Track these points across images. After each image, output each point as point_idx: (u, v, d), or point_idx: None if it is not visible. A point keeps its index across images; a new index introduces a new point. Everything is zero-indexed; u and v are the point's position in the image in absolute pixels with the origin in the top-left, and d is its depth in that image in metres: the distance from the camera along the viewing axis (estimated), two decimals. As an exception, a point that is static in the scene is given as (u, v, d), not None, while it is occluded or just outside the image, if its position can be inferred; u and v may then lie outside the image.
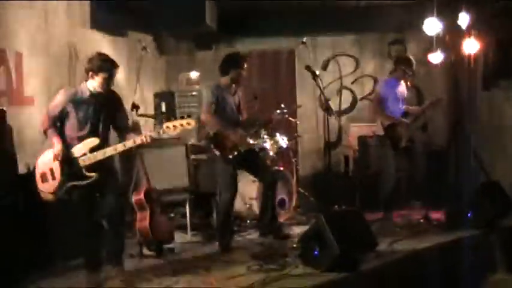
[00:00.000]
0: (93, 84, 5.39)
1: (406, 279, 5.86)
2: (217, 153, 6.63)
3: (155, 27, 9.29)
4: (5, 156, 5.60)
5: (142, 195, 6.31)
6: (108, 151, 5.37)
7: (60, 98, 5.43)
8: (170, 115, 8.82)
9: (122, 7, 8.76)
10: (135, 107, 7.17)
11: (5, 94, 6.31)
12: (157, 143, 7.33)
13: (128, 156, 7.07)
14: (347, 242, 5.44)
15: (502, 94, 8.54)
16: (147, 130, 7.94)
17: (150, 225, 6.25)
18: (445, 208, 7.57)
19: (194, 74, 10.31)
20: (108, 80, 5.41)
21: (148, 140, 5.38)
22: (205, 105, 6.76)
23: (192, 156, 7.83)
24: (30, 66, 6.78)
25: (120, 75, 8.92)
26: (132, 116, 7.02)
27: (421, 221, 7.48)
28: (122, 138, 5.57)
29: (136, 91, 7.37)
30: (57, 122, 5.42)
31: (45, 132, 5.40)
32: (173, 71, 10.79)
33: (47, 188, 5.34)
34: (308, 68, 6.58)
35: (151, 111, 9.14)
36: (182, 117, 5.54)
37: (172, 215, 7.83)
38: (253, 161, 6.97)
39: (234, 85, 6.99)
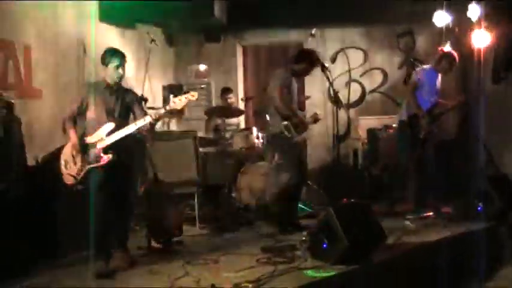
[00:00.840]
0: (107, 75, 5.66)
1: (416, 271, 5.84)
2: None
3: (164, 19, 9.28)
4: (13, 148, 5.60)
5: (151, 187, 6.31)
6: (122, 131, 5.56)
7: (81, 93, 5.77)
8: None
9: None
10: (143, 99, 7.17)
11: (14, 87, 6.34)
12: (166, 136, 7.38)
13: (137, 148, 7.06)
14: (356, 235, 5.41)
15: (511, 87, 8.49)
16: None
17: (158, 218, 6.24)
18: (455, 201, 7.54)
19: (203, 67, 10.31)
20: (120, 70, 5.67)
21: (157, 116, 5.62)
22: (277, 89, 6.78)
23: (201, 149, 7.82)
24: (38, 60, 6.79)
25: (129, 68, 8.94)
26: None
27: (431, 213, 7.43)
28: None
29: (144, 83, 7.36)
30: (75, 118, 5.66)
31: (64, 131, 5.65)
32: (182, 63, 10.80)
33: (69, 172, 5.57)
34: (317, 60, 6.56)
35: (159, 104, 9.12)
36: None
37: (180, 207, 7.82)
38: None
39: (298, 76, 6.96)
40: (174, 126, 10.01)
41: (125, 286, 5.12)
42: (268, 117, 7.79)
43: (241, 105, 10.12)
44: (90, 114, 5.62)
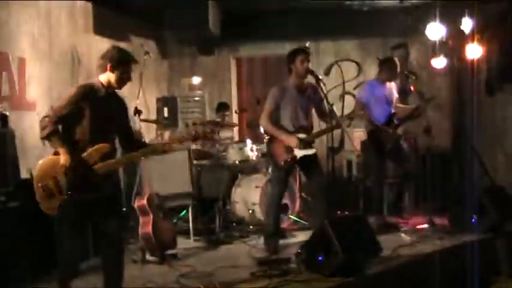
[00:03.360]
0: (110, 79, 4.80)
1: (411, 284, 5.83)
2: (270, 159, 6.70)
3: (158, 32, 9.29)
4: (7, 160, 5.57)
5: (145, 201, 6.28)
6: (123, 159, 4.97)
7: (73, 94, 4.66)
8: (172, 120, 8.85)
9: (125, 12, 8.78)
10: (137, 111, 7.16)
11: (7, 99, 6.31)
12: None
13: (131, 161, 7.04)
14: (351, 247, 5.40)
15: (505, 98, 8.51)
16: (150, 135, 7.97)
17: (152, 231, 6.22)
18: (449, 213, 7.54)
19: (197, 79, 10.32)
20: (127, 75, 4.86)
21: (168, 148, 4.97)
22: (264, 109, 6.63)
23: (195, 162, 7.80)
24: (32, 71, 6.79)
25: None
26: (134, 124, 7.00)
27: (425, 225, 7.43)
28: (125, 146, 5.01)
29: (138, 96, 7.35)
30: (63, 125, 4.68)
31: (48, 137, 4.60)
32: (176, 76, 10.81)
33: (51, 204, 4.64)
34: (311, 72, 6.54)
35: (153, 116, 9.12)
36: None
37: (175, 220, 7.80)
38: (309, 163, 6.67)
39: (302, 83, 6.67)
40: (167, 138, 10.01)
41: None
42: (262, 129, 7.79)
43: (235, 118, 10.13)
44: (82, 125, 4.69)
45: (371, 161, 7.71)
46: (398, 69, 7.75)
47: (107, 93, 4.82)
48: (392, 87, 7.88)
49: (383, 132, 7.53)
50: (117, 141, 5.01)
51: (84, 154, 4.64)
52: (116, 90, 4.93)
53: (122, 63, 4.79)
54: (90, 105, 4.66)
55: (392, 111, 7.74)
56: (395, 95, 7.90)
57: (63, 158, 4.57)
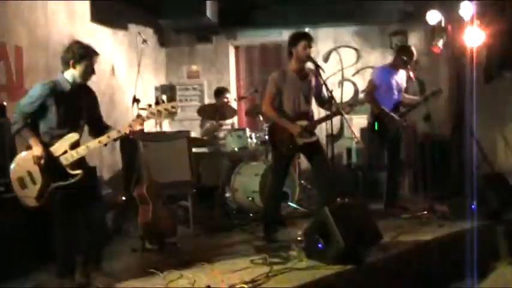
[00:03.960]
0: (74, 74, 5.03)
1: (411, 271, 5.83)
2: (272, 147, 6.68)
3: (156, 19, 9.25)
4: (5, 151, 5.54)
5: (144, 189, 6.27)
6: (92, 144, 5.07)
7: (37, 92, 4.95)
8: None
9: (123, 0, 8.75)
10: (135, 100, 7.11)
11: (5, 89, 6.29)
12: (159, 136, 7.34)
13: (130, 149, 7.03)
14: (352, 235, 5.38)
15: (505, 85, 8.48)
16: (148, 124, 7.94)
17: (152, 219, 6.21)
18: (449, 200, 7.54)
19: (195, 67, 10.28)
20: (90, 69, 5.07)
21: (132, 129, 5.08)
22: (266, 95, 6.57)
23: (194, 150, 7.77)
24: (30, 61, 6.76)
25: (121, 68, 8.92)
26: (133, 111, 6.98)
27: (425, 212, 7.42)
28: (95, 135, 5.20)
29: (137, 84, 7.31)
30: (30, 119, 4.98)
31: (18, 131, 4.94)
32: (174, 64, 10.78)
33: (28, 194, 4.95)
34: (310, 59, 6.51)
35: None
36: (158, 103, 5.26)
37: (174, 208, 7.80)
38: (312, 149, 6.63)
39: (302, 68, 6.62)
40: (166, 126, 9.99)
41: (119, 288, 5.09)
42: (261, 117, 7.77)
43: (234, 105, 10.10)
44: (49, 118, 4.99)
45: (370, 146, 7.70)
46: (414, 58, 7.73)
47: (72, 87, 5.05)
48: (403, 75, 7.86)
49: (389, 117, 7.53)
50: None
51: (53, 146, 4.96)
52: (88, 86, 5.24)
53: (83, 57, 5.01)
54: (55, 101, 4.94)
55: (401, 99, 7.74)
56: (404, 84, 7.89)
57: (34, 149, 4.89)
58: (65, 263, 5.16)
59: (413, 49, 7.76)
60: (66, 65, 5.04)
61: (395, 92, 7.71)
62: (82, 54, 5.01)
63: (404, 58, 7.62)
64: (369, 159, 8.01)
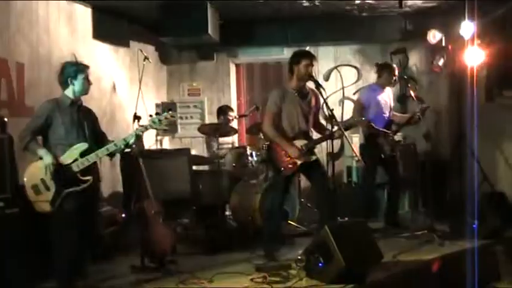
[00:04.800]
0: (74, 89, 5.52)
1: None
2: (271, 165, 6.73)
3: (157, 37, 9.27)
4: (5, 166, 5.54)
5: (144, 207, 6.25)
6: (100, 152, 5.48)
7: (43, 109, 5.47)
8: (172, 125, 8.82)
9: (124, 17, 8.78)
10: (136, 117, 7.12)
11: (6, 105, 6.30)
12: (159, 154, 7.34)
13: (130, 166, 7.02)
14: (352, 254, 5.37)
15: (505, 104, 8.49)
16: (149, 140, 7.95)
17: (151, 237, 6.19)
18: (450, 219, 7.53)
19: (196, 85, 10.30)
20: (87, 81, 5.56)
21: (138, 133, 5.64)
22: (266, 114, 6.59)
23: (194, 167, 7.77)
24: (31, 77, 6.77)
25: (122, 85, 8.94)
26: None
27: (426, 231, 7.40)
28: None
29: (138, 101, 7.32)
30: (38, 134, 5.44)
31: (26, 146, 5.36)
32: (175, 81, 10.79)
33: (42, 199, 5.32)
34: (311, 78, 6.52)
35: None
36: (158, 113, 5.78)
37: (173, 226, 7.78)
38: (312, 168, 6.61)
39: (303, 87, 6.63)
40: (167, 144, 9.99)
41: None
42: (261, 135, 7.76)
43: (234, 123, 10.10)
44: (56, 131, 5.43)
45: (367, 165, 7.68)
46: (397, 75, 7.76)
47: (73, 103, 5.54)
48: (390, 93, 7.89)
49: (382, 136, 7.53)
50: None
51: (64, 155, 5.38)
52: (82, 103, 5.67)
53: (77, 73, 5.50)
54: (59, 115, 5.42)
55: (390, 117, 7.75)
56: (392, 102, 7.91)
57: (44, 159, 5.30)
58: (64, 271, 5.36)
59: (395, 65, 7.80)
60: (65, 84, 5.54)
61: (385, 111, 7.72)
62: (76, 71, 5.50)
63: (388, 75, 7.66)
64: (367, 177, 7.99)
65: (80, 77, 5.50)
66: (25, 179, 5.36)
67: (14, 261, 5.34)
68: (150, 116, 5.77)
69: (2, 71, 6.30)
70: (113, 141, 5.63)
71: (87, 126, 5.60)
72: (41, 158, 5.33)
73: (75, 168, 5.37)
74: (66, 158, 5.38)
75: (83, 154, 5.41)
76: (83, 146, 5.43)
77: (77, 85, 5.51)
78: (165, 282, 5.74)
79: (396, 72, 7.80)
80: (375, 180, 7.88)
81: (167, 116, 5.68)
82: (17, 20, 6.61)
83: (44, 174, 5.30)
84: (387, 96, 7.85)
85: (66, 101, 5.50)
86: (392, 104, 7.96)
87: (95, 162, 5.54)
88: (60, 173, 5.32)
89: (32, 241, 5.56)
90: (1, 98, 6.26)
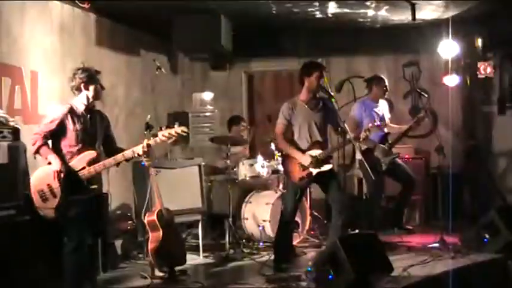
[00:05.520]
0: (88, 95, 5.50)
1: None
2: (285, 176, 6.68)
3: (170, 47, 9.30)
4: (18, 174, 5.56)
5: (155, 216, 6.26)
6: (107, 162, 5.47)
7: (57, 113, 5.44)
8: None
9: (137, 26, 8.81)
10: (148, 126, 7.13)
11: (20, 113, 6.32)
12: (171, 163, 7.35)
13: (142, 176, 7.04)
14: (362, 266, 5.36)
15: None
16: (160, 150, 7.96)
17: (162, 247, 6.19)
18: (461, 232, 7.50)
19: (208, 95, 10.31)
20: (99, 86, 5.55)
21: (146, 149, 5.48)
22: (276, 127, 6.63)
23: (205, 177, 7.77)
24: (45, 86, 6.80)
25: (134, 95, 8.96)
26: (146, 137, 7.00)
27: (437, 244, 7.36)
28: (108, 154, 5.62)
29: (150, 111, 7.34)
30: (49, 139, 5.41)
31: (37, 150, 5.35)
32: (187, 91, 10.79)
33: (47, 206, 5.28)
34: (322, 89, 6.52)
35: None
36: (169, 127, 5.63)
37: (184, 236, 7.79)
38: (326, 178, 6.60)
39: (314, 98, 6.65)
40: (178, 153, 9.99)
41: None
42: (273, 146, 7.76)
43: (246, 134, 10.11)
44: (67, 137, 5.40)
45: (368, 179, 7.66)
46: (387, 85, 7.75)
47: (87, 109, 5.52)
48: (384, 105, 7.87)
49: (379, 150, 7.51)
50: None
51: (72, 162, 5.35)
52: (96, 108, 5.67)
53: (90, 78, 5.49)
54: (71, 120, 5.39)
55: (386, 130, 7.72)
56: (388, 114, 7.89)
57: (53, 164, 5.26)
58: (75, 281, 5.34)
59: (384, 77, 7.78)
60: (78, 90, 5.51)
61: (380, 124, 7.68)
62: (88, 76, 5.48)
63: (378, 88, 7.66)
64: (375, 190, 7.95)
65: (92, 82, 5.48)
66: (31, 183, 5.33)
67: (25, 269, 5.34)
68: (161, 128, 5.63)
69: (17, 79, 6.33)
70: (122, 149, 5.60)
71: (99, 133, 5.60)
72: (49, 163, 5.31)
73: (82, 176, 5.35)
74: (75, 166, 5.35)
75: (91, 162, 5.37)
76: (91, 154, 5.40)
77: (90, 91, 5.49)
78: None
79: (386, 83, 7.78)
80: (380, 192, 7.83)
81: (178, 131, 5.52)
82: (31, 28, 6.65)
83: (52, 180, 5.25)
84: (381, 109, 7.82)
85: (80, 107, 5.48)
86: (388, 116, 7.93)
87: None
88: (68, 180, 5.28)
89: (43, 249, 5.55)
90: (15, 106, 6.28)
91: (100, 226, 5.79)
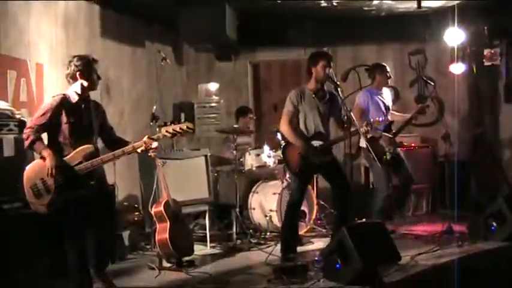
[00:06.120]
0: (83, 84, 5.28)
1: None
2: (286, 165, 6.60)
3: (175, 38, 9.29)
4: (24, 167, 5.55)
5: (162, 207, 6.27)
6: (106, 157, 5.25)
7: (48, 105, 5.23)
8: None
9: (142, 18, 8.80)
10: (154, 117, 7.15)
11: (26, 105, 6.33)
12: (177, 155, 7.35)
13: (148, 167, 7.04)
14: (369, 255, 5.36)
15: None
16: (166, 141, 7.96)
17: (169, 237, 6.20)
18: (468, 220, 7.49)
19: (213, 85, 10.31)
20: (96, 75, 5.36)
21: (148, 145, 5.29)
22: (284, 113, 6.57)
23: (212, 168, 7.77)
24: (50, 78, 6.80)
25: (140, 86, 8.96)
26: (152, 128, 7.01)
27: (444, 233, 7.36)
28: (108, 147, 5.50)
29: (156, 102, 7.35)
30: (43, 132, 5.20)
31: (30, 146, 5.12)
32: (192, 82, 10.79)
33: (40, 202, 5.07)
34: (329, 79, 6.50)
35: (170, 122, 9.09)
36: (173, 123, 5.49)
37: (191, 226, 7.80)
38: (329, 168, 6.62)
39: (321, 88, 6.62)
40: (185, 144, 9.99)
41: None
42: (279, 136, 7.75)
43: (252, 123, 10.10)
44: (62, 130, 5.19)
45: (374, 168, 7.64)
46: (389, 72, 7.73)
47: (81, 99, 5.30)
48: (388, 93, 7.85)
49: (383, 139, 7.49)
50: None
51: (68, 156, 5.13)
52: (91, 98, 5.45)
53: (85, 67, 5.28)
54: (66, 113, 5.17)
55: (390, 118, 7.69)
56: (391, 103, 7.87)
57: (48, 160, 5.02)
58: (77, 275, 5.25)
59: (385, 64, 7.81)
60: (73, 78, 5.31)
61: (384, 112, 7.65)
62: (84, 65, 5.28)
63: (381, 76, 7.63)
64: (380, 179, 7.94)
65: (88, 71, 5.27)
66: (25, 178, 5.09)
67: (31, 261, 5.35)
68: (165, 124, 5.48)
69: (22, 72, 6.34)
70: (123, 140, 5.49)
71: (95, 124, 5.35)
72: (42, 158, 5.09)
73: (78, 171, 5.12)
74: (70, 160, 5.13)
75: (88, 157, 5.15)
76: (87, 148, 5.18)
77: (85, 80, 5.27)
78: (182, 283, 5.75)
79: (388, 70, 7.75)
80: (388, 181, 7.81)
81: (183, 128, 5.34)
82: (36, 21, 6.65)
83: (46, 174, 5.02)
84: (385, 98, 7.80)
85: (73, 97, 5.26)
86: (391, 104, 7.91)
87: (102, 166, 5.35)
88: (62, 175, 5.05)
89: (49, 240, 5.54)
90: (21, 99, 6.30)
91: (106, 219, 5.47)
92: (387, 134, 7.54)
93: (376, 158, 7.09)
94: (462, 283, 5.96)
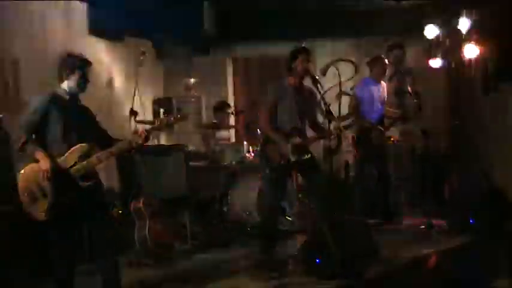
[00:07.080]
0: (70, 85, 5.06)
1: (409, 286, 5.81)
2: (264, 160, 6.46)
3: (153, 32, 9.23)
4: (2, 164, 5.51)
5: (141, 204, 6.24)
6: (103, 155, 5.02)
7: (37, 104, 4.96)
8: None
9: (120, 13, 8.73)
10: (133, 113, 7.09)
11: (2, 101, 6.26)
12: (156, 150, 7.32)
13: (127, 163, 7.00)
14: (349, 250, 5.38)
15: (502, 97, 8.48)
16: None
17: (149, 234, 6.18)
18: (447, 214, 7.53)
19: (192, 80, 10.26)
20: (85, 78, 5.10)
21: (146, 137, 5.12)
22: (262, 109, 6.48)
23: (191, 163, 7.74)
24: (27, 73, 6.73)
25: (119, 81, 8.90)
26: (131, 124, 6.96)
27: (423, 227, 7.40)
28: (102, 147, 5.14)
29: (134, 97, 7.29)
30: (33, 132, 4.91)
31: (22, 148, 4.85)
32: (171, 77, 10.74)
33: (38, 208, 4.84)
34: (308, 74, 6.48)
35: (149, 118, 9.06)
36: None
37: (171, 222, 7.76)
38: (305, 166, 6.47)
39: (301, 84, 6.54)
40: (163, 139, 9.95)
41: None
42: (259, 132, 7.73)
43: (232, 119, 10.08)
44: (53, 130, 4.94)
45: (359, 159, 7.70)
46: (387, 65, 7.78)
47: (70, 99, 5.09)
48: (384, 86, 7.89)
49: (374, 131, 7.52)
50: None
51: (61, 158, 4.90)
52: (80, 100, 5.22)
53: (76, 68, 5.07)
54: (56, 111, 4.94)
55: (383, 111, 7.74)
56: (385, 96, 7.92)
57: (42, 163, 4.79)
58: (62, 277, 5.09)
59: (383, 57, 7.84)
60: (62, 78, 5.09)
61: (378, 104, 7.70)
62: (75, 65, 5.08)
63: (380, 69, 7.68)
64: (361, 171, 7.98)
65: (78, 72, 5.05)
66: (19, 186, 4.86)
67: (11, 260, 5.31)
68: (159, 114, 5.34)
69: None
70: (118, 140, 5.26)
71: (87, 125, 5.15)
72: (36, 161, 4.85)
73: (75, 172, 4.91)
74: (65, 161, 4.90)
75: (83, 157, 4.93)
76: (82, 147, 4.96)
77: (73, 81, 5.04)
78: (162, 280, 5.74)
79: (386, 64, 7.81)
80: (369, 173, 7.84)
81: (176, 117, 5.29)
82: (12, 16, 6.57)
83: (41, 179, 4.80)
84: (381, 90, 7.84)
85: (63, 96, 5.05)
86: (385, 98, 7.94)
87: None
88: (58, 178, 4.82)
89: (27, 240, 5.48)
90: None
91: (99, 216, 5.08)
92: (379, 127, 7.57)
93: (356, 152, 7.11)
94: (441, 277, 6.00)
